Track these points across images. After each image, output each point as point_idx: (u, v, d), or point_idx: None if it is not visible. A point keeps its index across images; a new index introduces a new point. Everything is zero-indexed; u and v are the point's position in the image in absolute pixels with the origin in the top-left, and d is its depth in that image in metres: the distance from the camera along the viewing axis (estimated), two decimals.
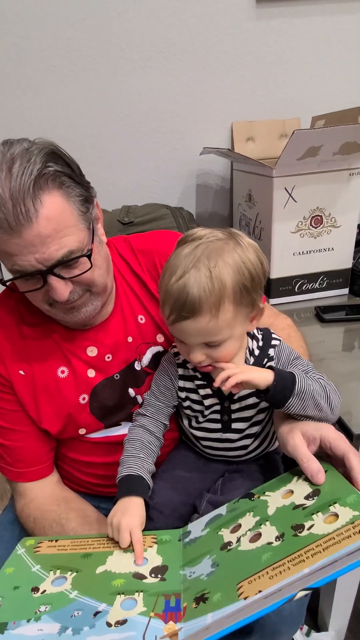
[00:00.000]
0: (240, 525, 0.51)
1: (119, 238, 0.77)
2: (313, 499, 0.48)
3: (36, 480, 0.70)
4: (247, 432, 0.65)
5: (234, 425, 0.64)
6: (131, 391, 0.72)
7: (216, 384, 0.55)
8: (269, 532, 0.47)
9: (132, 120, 1.18)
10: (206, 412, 0.65)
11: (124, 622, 0.44)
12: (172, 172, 1.26)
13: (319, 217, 1.01)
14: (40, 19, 1.05)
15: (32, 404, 0.67)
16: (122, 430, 0.72)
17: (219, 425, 0.65)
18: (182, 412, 0.70)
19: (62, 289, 0.56)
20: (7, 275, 0.59)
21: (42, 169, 0.51)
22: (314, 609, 1.08)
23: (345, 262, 1.08)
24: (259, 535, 0.48)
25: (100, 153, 1.19)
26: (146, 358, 0.72)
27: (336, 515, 0.44)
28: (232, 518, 0.54)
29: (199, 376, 0.65)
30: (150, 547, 0.55)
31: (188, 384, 0.66)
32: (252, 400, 0.63)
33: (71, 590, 0.49)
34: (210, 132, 1.24)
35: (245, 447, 0.66)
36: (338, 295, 1.11)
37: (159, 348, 0.72)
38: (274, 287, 1.07)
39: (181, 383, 0.66)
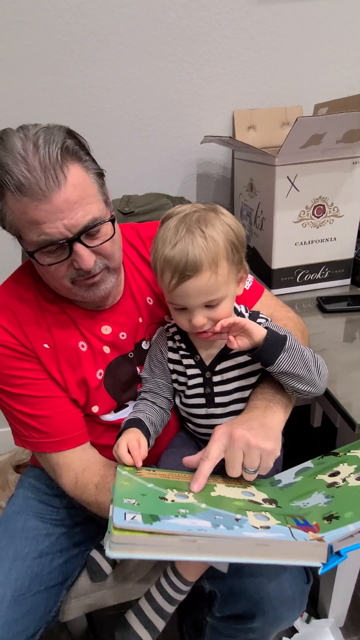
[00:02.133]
0: (338, 472, 0.55)
1: (126, 225, 0.79)
2: None
3: (81, 446, 0.69)
4: (230, 407, 0.66)
5: (217, 399, 0.66)
6: (138, 369, 0.74)
7: (217, 327, 0.59)
8: None
9: (131, 108, 1.17)
10: (189, 383, 0.67)
11: (267, 527, 0.47)
12: (173, 161, 1.24)
13: (322, 207, 1.00)
14: (37, 4, 1.03)
15: (58, 374, 0.68)
16: (128, 411, 0.74)
17: (203, 400, 0.67)
18: (174, 390, 0.72)
19: (88, 256, 0.59)
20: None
21: (64, 142, 0.55)
22: (314, 597, 1.09)
23: (347, 252, 1.07)
24: None
25: (99, 142, 1.18)
26: (155, 337, 0.74)
27: None
28: (324, 468, 0.58)
29: (184, 347, 0.68)
30: (249, 485, 0.57)
31: (175, 356, 0.69)
32: (232, 373, 0.66)
33: (199, 503, 0.51)
34: (211, 120, 1.22)
35: None
36: (340, 285, 1.11)
37: (161, 328, 0.74)
38: (275, 278, 1.06)
39: (170, 355, 0.69)
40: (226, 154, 1.27)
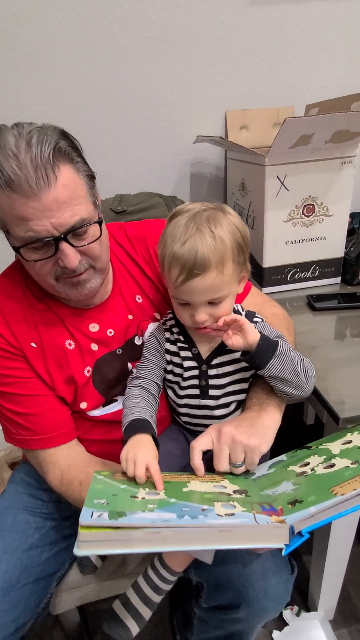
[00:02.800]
0: (308, 463, 0.58)
1: (114, 225, 0.80)
2: None
3: (67, 443, 0.70)
4: (222, 400, 0.68)
5: (211, 392, 0.68)
6: (130, 365, 0.75)
7: (220, 323, 0.61)
8: (342, 462, 0.54)
9: (125, 108, 1.18)
10: (185, 375, 0.69)
11: (232, 514, 0.49)
12: (166, 160, 1.25)
13: (311, 206, 1.02)
14: (32, 5, 1.04)
15: (45, 373, 0.69)
16: (119, 406, 0.75)
17: (197, 391, 0.69)
18: (166, 383, 0.73)
19: (73, 255, 0.60)
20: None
21: (57, 143, 0.56)
22: (304, 591, 1.10)
23: (337, 251, 1.09)
24: (333, 465, 0.55)
25: (92, 142, 1.19)
26: (147, 333, 0.75)
27: None
28: (296, 460, 0.61)
29: (182, 339, 0.70)
30: (222, 480, 0.58)
31: (172, 347, 0.71)
32: (227, 368, 0.67)
33: (169, 498, 0.53)
34: (204, 121, 1.23)
35: (223, 416, 0.69)
36: (330, 284, 1.12)
37: (158, 323, 0.76)
38: (266, 276, 1.07)
39: (167, 345, 0.71)
40: (219, 154, 1.28)
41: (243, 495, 0.55)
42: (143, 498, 0.52)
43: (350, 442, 0.60)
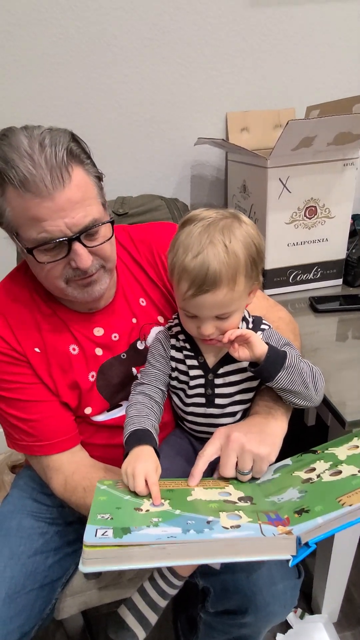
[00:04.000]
0: (314, 469, 0.57)
1: (118, 227, 0.79)
2: None
3: (70, 449, 0.70)
4: (229, 409, 0.67)
5: (217, 401, 0.67)
6: (134, 370, 0.75)
7: (225, 339, 0.59)
8: (349, 470, 0.53)
9: (125, 110, 1.17)
10: (191, 383, 0.68)
11: (238, 526, 0.48)
12: (167, 162, 1.25)
13: (313, 208, 1.02)
14: (33, 7, 1.03)
15: (49, 379, 0.69)
16: (123, 411, 0.74)
17: (203, 400, 0.68)
18: (171, 390, 0.72)
19: (86, 256, 0.60)
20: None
21: (69, 145, 0.56)
22: (308, 593, 1.10)
23: (339, 252, 1.09)
24: (339, 472, 0.53)
25: (93, 144, 1.16)
26: (150, 337, 0.75)
27: None
28: (301, 465, 0.60)
29: (188, 347, 0.68)
30: (226, 485, 0.58)
31: (178, 355, 0.69)
32: (234, 377, 0.66)
33: (173, 509, 0.52)
34: (204, 123, 1.23)
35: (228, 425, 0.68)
36: (332, 285, 1.12)
37: (161, 328, 0.75)
38: (268, 278, 1.07)
39: (172, 352, 0.70)
40: (220, 156, 1.28)
41: (248, 503, 0.54)
42: (147, 510, 0.51)
43: (357, 447, 0.59)
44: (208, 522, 0.48)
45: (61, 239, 0.57)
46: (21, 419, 0.68)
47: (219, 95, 1.21)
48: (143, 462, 0.56)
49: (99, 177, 0.63)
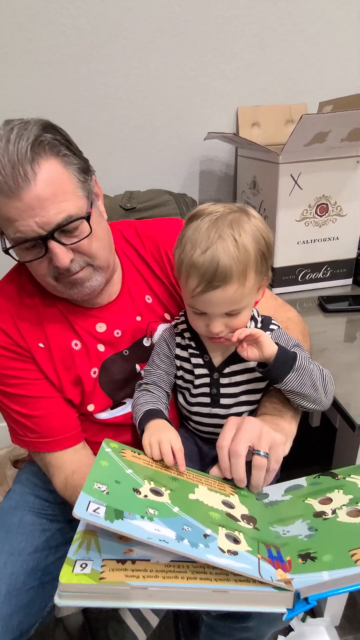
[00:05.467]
0: (330, 499, 0.51)
1: (124, 222, 0.78)
2: None
3: (73, 447, 0.69)
4: (234, 410, 0.66)
5: (222, 401, 0.66)
6: (138, 367, 0.74)
7: (234, 339, 0.58)
8: None
9: (134, 103, 1.16)
10: (196, 382, 0.66)
11: (235, 553, 0.44)
12: (175, 157, 1.24)
13: (325, 206, 1.00)
14: None
15: (53, 374, 0.68)
16: (127, 409, 0.73)
17: (208, 399, 0.67)
18: (177, 389, 0.71)
19: (63, 254, 0.57)
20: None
21: (38, 136, 0.53)
22: None
23: (349, 251, 1.07)
24: (359, 512, 0.48)
25: (102, 137, 1.17)
26: (157, 334, 0.74)
27: None
28: (316, 491, 0.54)
29: (194, 345, 0.67)
30: (232, 494, 0.54)
31: (183, 353, 0.68)
32: (240, 377, 0.65)
33: (172, 505, 0.49)
34: (214, 117, 1.22)
35: None
36: (342, 285, 1.10)
37: (168, 325, 0.74)
38: (277, 277, 1.05)
39: (178, 351, 0.68)
40: (229, 151, 1.27)
41: (251, 525, 0.49)
42: (145, 496, 0.48)
43: None
44: (205, 536, 0.45)
45: (34, 238, 0.55)
46: (25, 415, 0.67)
47: (230, 90, 1.19)
48: (165, 432, 0.56)
49: (83, 169, 0.59)
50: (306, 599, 0.41)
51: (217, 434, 0.69)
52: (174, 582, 0.40)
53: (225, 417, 0.66)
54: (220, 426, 0.67)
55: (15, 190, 0.52)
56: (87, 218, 0.59)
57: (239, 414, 0.66)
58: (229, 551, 0.43)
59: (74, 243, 0.58)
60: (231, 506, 0.52)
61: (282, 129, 1.22)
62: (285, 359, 0.58)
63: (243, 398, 0.66)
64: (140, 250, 0.75)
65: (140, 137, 1.20)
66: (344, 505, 0.49)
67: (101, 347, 0.71)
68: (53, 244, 0.56)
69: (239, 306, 0.57)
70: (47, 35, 1.05)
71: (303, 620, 1.06)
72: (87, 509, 0.42)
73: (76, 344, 0.69)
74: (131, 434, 0.73)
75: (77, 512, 0.41)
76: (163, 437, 0.56)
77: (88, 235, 0.59)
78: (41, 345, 0.67)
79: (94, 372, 0.70)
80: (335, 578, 0.40)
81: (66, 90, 1.11)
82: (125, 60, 1.11)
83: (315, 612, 1.08)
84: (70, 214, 0.56)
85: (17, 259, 0.59)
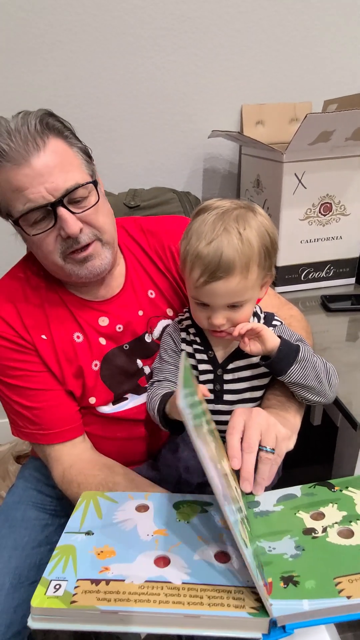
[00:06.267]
0: (323, 515, 0.49)
1: (129, 219, 0.78)
2: None
3: (72, 440, 0.70)
4: (237, 406, 0.66)
5: (226, 397, 0.66)
6: (139, 362, 0.74)
7: (235, 333, 0.58)
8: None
9: (139, 101, 1.16)
10: (200, 378, 0.67)
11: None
12: (179, 155, 1.24)
13: (329, 205, 1.00)
14: None
15: (56, 365, 0.68)
16: (129, 404, 0.74)
17: (211, 396, 0.67)
18: None
19: (72, 221, 0.59)
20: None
21: (44, 118, 0.58)
22: None
23: (352, 251, 1.07)
24: (351, 532, 0.46)
25: (106, 134, 1.17)
26: (157, 330, 0.74)
27: None
28: (310, 503, 0.52)
29: (198, 341, 0.67)
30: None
31: (187, 348, 0.68)
32: (244, 373, 0.65)
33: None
34: (219, 115, 1.21)
35: None
36: (344, 284, 1.10)
37: (169, 321, 0.74)
38: (279, 275, 1.05)
39: (183, 346, 0.69)
40: (233, 149, 1.26)
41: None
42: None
43: None
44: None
45: (44, 205, 0.57)
46: (26, 407, 0.68)
47: (235, 87, 1.19)
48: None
49: (86, 151, 0.63)
50: (283, 627, 0.39)
51: (220, 431, 0.70)
52: (145, 607, 0.40)
53: (228, 413, 0.66)
54: (224, 423, 0.68)
55: (26, 157, 0.55)
56: (95, 183, 0.62)
57: None
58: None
59: (82, 211, 0.60)
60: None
61: (286, 127, 1.22)
62: (288, 351, 0.59)
63: (247, 395, 0.66)
64: (144, 245, 0.76)
65: (144, 135, 1.19)
66: (336, 523, 0.47)
67: (102, 341, 0.71)
68: (62, 211, 0.58)
69: (240, 299, 0.58)
70: (52, 31, 1.05)
71: None
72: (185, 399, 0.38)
73: (78, 337, 0.70)
74: (134, 429, 0.74)
75: (181, 404, 0.37)
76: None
77: (96, 204, 0.61)
78: (44, 337, 0.68)
79: (95, 365, 0.71)
80: (316, 609, 0.38)
81: (71, 87, 1.11)
82: (131, 57, 1.10)
83: None
84: (77, 181, 0.59)
85: (27, 233, 0.60)
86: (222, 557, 0.45)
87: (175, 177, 1.25)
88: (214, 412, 0.68)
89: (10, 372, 0.67)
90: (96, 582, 0.42)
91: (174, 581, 0.42)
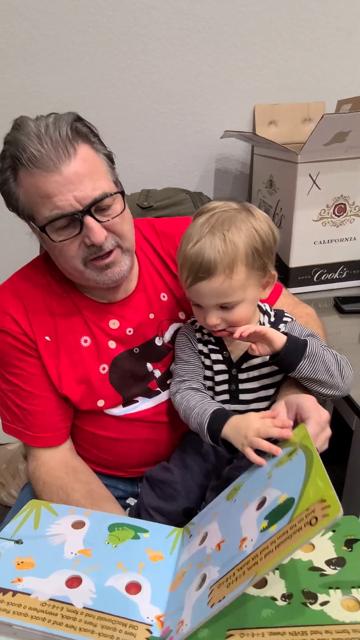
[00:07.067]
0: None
1: (143, 220, 0.78)
2: (335, 568, 0.43)
3: (51, 447, 0.71)
4: (253, 406, 0.66)
5: (241, 396, 0.66)
6: (149, 365, 0.74)
7: (236, 335, 0.58)
8: (276, 585, 0.42)
9: (152, 101, 1.16)
10: (216, 379, 0.67)
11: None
12: (192, 155, 1.24)
13: (343, 206, 0.99)
14: None
15: (54, 369, 0.69)
16: (139, 407, 0.73)
17: (227, 397, 0.67)
18: None
19: (98, 229, 0.59)
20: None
21: (73, 124, 0.57)
22: None
23: None
24: (265, 582, 0.43)
25: (119, 135, 1.17)
26: (168, 334, 0.74)
27: (357, 602, 0.39)
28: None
29: (213, 341, 0.67)
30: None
31: (204, 348, 0.69)
32: (259, 372, 0.65)
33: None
34: (231, 115, 1.21)
35: None
36: (358, 286, 1.09)
37: (181, 324, 0.74)
38: (292, 277, 1.05)
39: (200, 346, 0.69)
40: (245, 149, 1.26)
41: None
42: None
43: (312, 546, 0.45)
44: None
45: (72, 213, 0.57)
46: (17, 405, 0.69)
47: (248, 87, 1.19)
48: (251, 420, 0.54)
49: (110, 157, 0.63)
50: None
51: None
52: (37, 625, 0.40)
53: (244, 412, 0.66)
54: None
55: (57, 164, 0.55)
56: (122, 193, 0.62)
57: (258, 410, 0.66)
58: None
59: (108, 220, 0.60)
60: None
61: (299, 127, 1.21)
62: (296, 347, 0.58)
63: (262, 393, 0.66)
64: (157, 247, 0.75)
65: (157, 135, 1.19)
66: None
67: (112, 344, 0.71)
68: (89, 220, 0.58)
69: (229, 299, 0.58)
70: (66, 32, 1.05)
71: None
72: None
73: (85, 340, 0.70)
74: (151, 430, 0.74)
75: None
76: (250, 429, 0.53)
77: (122, 212, 0.62)
78: (47, 338, 0.68)
79: (104, 369, 0.71)
80: (188, 631, 0.38)
81: (85, 87, 1.11)
82: (145, 57, 1.11)
83: None
84: (105, 190, 0.59)
85: (52, 239, 0.60)
86: (133, 587, 0.45)
87: (186, 178, 1.25)
88: None
89: (10, 369, 0.68)
90: (4, 591, 0.43)
91: (75, 604, 0.42)
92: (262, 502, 0.44)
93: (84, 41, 1.07)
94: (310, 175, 0.94)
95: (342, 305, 0.98)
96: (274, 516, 0.40)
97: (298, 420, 0.54)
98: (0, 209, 0.63)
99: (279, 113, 1.20)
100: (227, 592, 0.37)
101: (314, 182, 0.94)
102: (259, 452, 0.52)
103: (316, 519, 0.35)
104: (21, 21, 1.03)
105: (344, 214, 1.00)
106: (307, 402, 0.54)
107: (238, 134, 1.10)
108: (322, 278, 1.07)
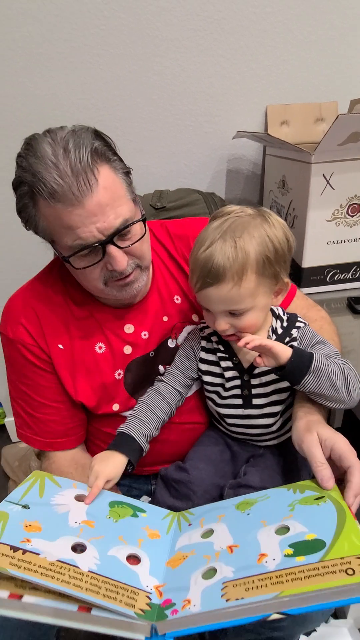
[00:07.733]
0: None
1: (156, 222, 0.78)
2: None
3: (62, 450, 0.73)
4: (267, 410, 0.66)
5: (255, 401, 0.66)
6: (161, 368, 0.74)
7: (240, 344, 0.57)
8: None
9: (164, 102, 1.16)
10: (227, 385, 0.67)
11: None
12: (203, 156, 1.24)
13: (356, 206, 0.98)
14: None
15: (69, 377, 0.69)
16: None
17: (240, 401, 0.67)
18: (205, 393, 0.72)
19: (121, 257, 0.59)
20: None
21: (93, 145, 0.55)
22: None
23: None
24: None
25: (131, 136, 1.18)
26: (182, 336, 0.74)
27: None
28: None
29: (222, 349, 0.67)
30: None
31: (210, 357, 0.68)
32: (271, 377, 0.65)
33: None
34: (243, 115, 1.21)
35: (267, 426, 0.67)
36: None
37: (194, 327, 0.74)
38: (305, 277, 1.05)
39: (203, 355, 0.69)
40: (257, 150, 1.26)
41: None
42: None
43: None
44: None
45: (95, 244, 0.57)
46: (27, 412, 0.70)
47: (260, 87, 1.18)
48: (103, 466, 0.58)
49: (127, 173, 0.62)
50: (164, 634, 0.41)
51: (250, 434, 0.70)
52: (47, 582, 0.42)
53: (258, 417, 0.66)
54: (254, 427, 0.68)
55: (80, 198, 0.54)
56: (144, 220, 0.62)
57: (273, 414, 0.66)
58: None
59: (129, 246, 0.60)
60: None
61: (311, 127, 1.21)
62: (300, 362, 0.57)
63: (274, 397, 0.66)
64: (171, 249, 0.76)
65: (169, 136, 1.20)
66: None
67: (127, 350, 0.71)
68: (112, 249, 0.58)
69: (237, 306, 0.57)
70: (80, 35, 1.06)
71: (326, 621, 1.06)
72: None
73: (100, 347, 0.70)
74: (163, 431, 0.74)
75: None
76: (96, 469, 0.58)
77: (142, 237, 0.61)
78: (61, 346, 0.68)
79: (119, 374, 0.71)
80: (202, 614, 0.40)
81: (97, 89, 1.12)
82: (158, 59, 1.11)
83: (338, 614, 1.08)
84: (126, 217, 0.58)
85: (75, 266, 0.60)
86: (133, 560, 0.48)
87: (199, 178, 1.25)
88: (244, 416, 0.68)
89: (23, 379, 0.69)
90: (14, 549, 0.45)
91: (81, 567, 0.45)
92: (283, 529, 0.47)
93: (97, 44, 1.08)
94: (324, 175, 0.93)
95: (355, 306, 0.98)
96: (302, 549, 0.43)
97: (333, 459, 0.53)
98: (12, 214, 0.62)
99: (291, 113, 1.20)
100: (246, 595, 0.40)
101: (328, 182, 0.94)
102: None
103: (353, 570, 0.39)
104: (37, 26, 1.04)
105: (358, 214, 0.99)
106: (344, 447, 0.52)
107: (250, 134, 1.10)
108: (335, 278, 1.06)
